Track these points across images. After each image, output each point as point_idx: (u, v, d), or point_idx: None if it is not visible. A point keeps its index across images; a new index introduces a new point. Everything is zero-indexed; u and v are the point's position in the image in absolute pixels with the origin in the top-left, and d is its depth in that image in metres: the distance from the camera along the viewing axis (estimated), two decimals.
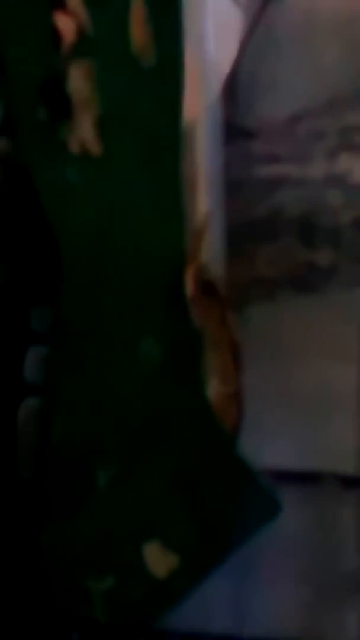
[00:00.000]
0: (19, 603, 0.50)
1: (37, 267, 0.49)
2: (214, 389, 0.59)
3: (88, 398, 0.50)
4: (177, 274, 0.56)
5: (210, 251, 0.61)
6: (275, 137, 0.67)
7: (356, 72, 0.70)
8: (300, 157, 0.67)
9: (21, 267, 0.49)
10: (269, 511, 0.59)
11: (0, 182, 0.48)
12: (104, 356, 0.51)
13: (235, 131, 0.65)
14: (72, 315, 0.48)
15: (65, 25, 0.46)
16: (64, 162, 0.47)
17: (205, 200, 0.60)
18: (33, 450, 0.50)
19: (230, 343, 0.59)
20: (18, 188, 0.48)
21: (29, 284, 0.49)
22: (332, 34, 0.71)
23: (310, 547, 0.66)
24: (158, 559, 0.54)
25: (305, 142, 0.68)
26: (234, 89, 0.63)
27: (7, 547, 0.48)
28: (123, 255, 0.52)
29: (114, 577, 0.51)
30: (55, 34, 0.46)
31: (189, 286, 0.57)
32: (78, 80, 0.47)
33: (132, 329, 0.53)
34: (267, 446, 0.63)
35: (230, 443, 0.59)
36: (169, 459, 0.56)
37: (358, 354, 0.69)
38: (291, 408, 0.68)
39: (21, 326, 0.50)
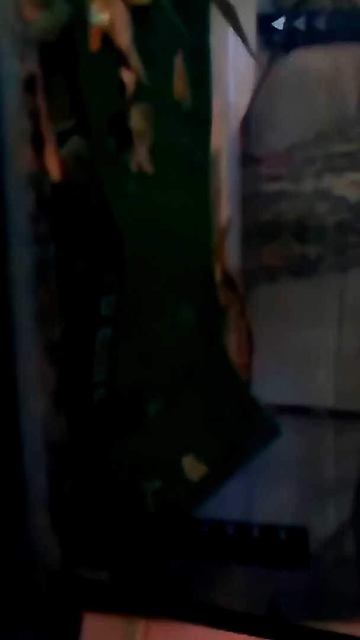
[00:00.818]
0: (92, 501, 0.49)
1: (105, 261, 0.49)
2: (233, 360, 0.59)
3: (143, 350, 0.50)
4: (207, 263, 0.57)
5: (230, 246, 0.61)
6: (277, 162, 0.68)
7: (338, 113, 0.70)
8: (295, 177, 0.67)
9: (94, 260, 0.48)
10: (272, 434, 0.60)
11: (77, 182, 0.46)
12: (155, 321, 0.51)
13: (248, 157, 0.65)
14: (132, 294, 0.48)
15: (128, 78, 0.46)
16: (126, 177, 0.47)
17: (226, 208, 0.60)
18: (104, 375, 0.50)
19: (247, 329, 0.59)
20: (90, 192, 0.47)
21: (100, 276, 0.48)
22: (321, 85, 0.71)
23: (301, 460, 0.66)
24: (192, 468, 0.54)
25: (299, 166, 0.68)
26: (248, 125, 0.63)
27: (85, 458, 0.48)
28: (168, 249, 0.52)
29: (161, 480, 0.52)
30: (121, 84, 0.45)
31: (217, 273, 0.58)
32: (137, 118, 0.47)
33: (175, 302, 0.53)
34: (270, 387, 0.63)
35: (244, 385, 0.60)
36: (201, 396, 0.56)
37: (337, 319, 0.70)
38: (287, 360, 0.68)
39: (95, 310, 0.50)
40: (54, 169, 0.45)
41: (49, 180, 0.45)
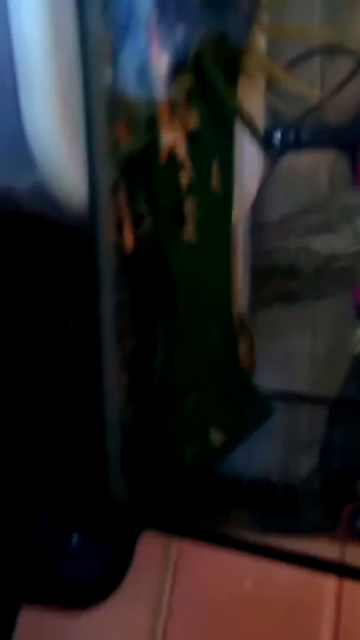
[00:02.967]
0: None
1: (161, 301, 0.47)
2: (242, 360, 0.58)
3: (185, 359, 0.50)
4: (228, 299, 0.55)
5: (243, 284, 0.60)
6: (273, 228, 0.67)
7: (315, 195, 0.69)
8: (285, 237, 0.66)
9: (155, 299, 0.47)
10: (268, 412, 0.59)
11: (145, 250, 0.45)
12: (194, 338, 0.50)
13: (254, 225, 0.64)
14: (180, 322, 0.48)
15: (184, 179, 0.45)
16: (180, 245, 0.46)
17: (241, 260, 0.59)
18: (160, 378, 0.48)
19: (250, 341, 0.58)
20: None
21: (157, 310, 0.47)
22: (303, 177, 0.70)
23: (284, 428, 0.65)
24: (215, 436, 0.53)
25: (287, 230, 0.67)
26: (255, 206, 0.62)
27: (146, 432, 0.47)
28: (204, 292, 0.51)
29: (195, 446, 0.51)
30: (179, 182, 0.44)
31: (234, 307, 0.56)
32: (189, 207, 0.46)
33: (206, 325, 0.52)
34: (264, 378, 0.61)
35: (249, 377, 0.59)
36: (221, 386, 0.55)
37: (311, 332, 0.69)
38: (277, 359, 0.68)
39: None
40: (128, 242, 0.44)
41: (125, 249, 0.43)
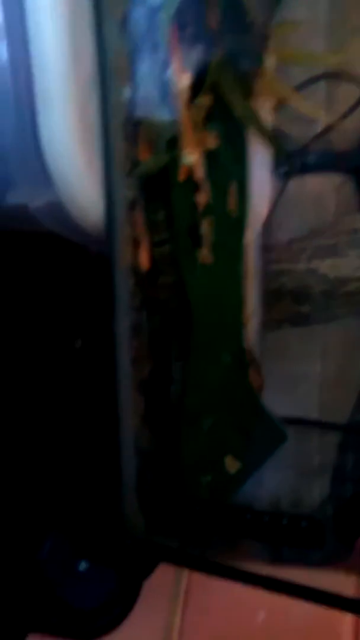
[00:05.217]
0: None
1: (178, 322, 0.45)
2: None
3: (200, 382, 0.48)
4: (239, 321, 0.54)
5: (255, 305, 0.58)
6: (282, 250, 0.65)
7: (321, 219, 0.68)
8: (293, 260, 0.65)
9: (171, 321, 0.45)
10: (282, 438, 0.57)
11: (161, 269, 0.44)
12: (207, 362, 0.49)
13: (264, 247, 0.62)
14: (194, 345, 0.46)
15: (201, 199, 0.44)
16: (196, 266, 0.45)
17: (252, 281, 0.57)
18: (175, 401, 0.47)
19: (258, 367, 0.56)
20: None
21: (173, 332, 0.45)
22: (310, 200, 0.68)
23: (295, 452, 0.63)
24: (231, 465, 0.51)
25: (296, 253, 0.65)
26: (266, 227, 0.60)
27: (162, 459, 0.45)
28: (218, 314, 0.50)
29: (211, 475, 0.49)
30: (196, 204, 0.43)
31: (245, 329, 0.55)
32: (205, 227, 0.45)
33: (219, 349, 0.51)
34: (275, 403, 0.60)
35: (260, 402, 0.56)
36: (234, 412, 0.53)
37: (320, 356, 0.67)
38: (287, 383, 0.65)
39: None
40: (144, 262, 0.42)
41: (141, 269, 0.42)
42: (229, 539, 0.50)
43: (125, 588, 0.55)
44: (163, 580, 0.53)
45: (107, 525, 0.46)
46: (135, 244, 0.42)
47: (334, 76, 0.69)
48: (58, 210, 0.39)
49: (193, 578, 0.53)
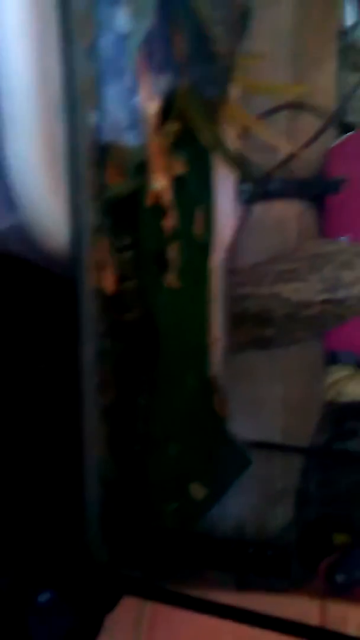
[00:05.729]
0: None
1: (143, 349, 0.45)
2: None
3: (166, 408, 0.47)
4: (205, 346, 0.54)
5: (220, 329, 0.57)
6: (245, 275, 0.66)
7: (284, 244, 0.69)
8: (257, 284, 0.65)
9: (136, 347, 0.45)
10: (247, 463, 0.56)
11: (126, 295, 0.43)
12: (173, 388, 0.48)
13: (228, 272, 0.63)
14: (161, 371, 0.46)
15: (168, 224, 0.43)
16: (162, 289, 0.45)
17: (217, 305, 0.58)
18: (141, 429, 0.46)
19: (223, 391, 0.55)
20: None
21: (139, 358, 0.44)
22: (273, 226, 0.70)
23: (258, 477, 0.62)
24: (197, 491, 0.50)
25: (259, 277, 0.66)
26: (231, 252, 0.61)
27: (126, 488, 0.44)
28: (184, 339, 0.49)
29: (177, 502, 0.48)
30: (163, 229, 0.42)
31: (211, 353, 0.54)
32: (172, 252, 0.45)
33: (185, 374, 0.50)
34: (239, 427, 0.59)
35: (226, 428, 0.56)
36: (201, 438, 0.53)
37: (283, 378, 0.67)
38: (250, 407, 0.66)
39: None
40: (109, 285, 0.41)
41: (106, 292, 0.41)
42: (194, 568, 0.48)
43: (87, 622, 0.53)
44: (126, 612, 0.52)
45: (70, 556, 0.45)
46: (100, 268, 0.41)
47: (295, 106, 0.70)
48: (23, 233, 0.39)
49: (157, 609, 0.51)
